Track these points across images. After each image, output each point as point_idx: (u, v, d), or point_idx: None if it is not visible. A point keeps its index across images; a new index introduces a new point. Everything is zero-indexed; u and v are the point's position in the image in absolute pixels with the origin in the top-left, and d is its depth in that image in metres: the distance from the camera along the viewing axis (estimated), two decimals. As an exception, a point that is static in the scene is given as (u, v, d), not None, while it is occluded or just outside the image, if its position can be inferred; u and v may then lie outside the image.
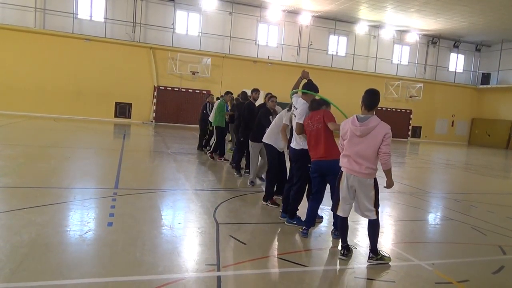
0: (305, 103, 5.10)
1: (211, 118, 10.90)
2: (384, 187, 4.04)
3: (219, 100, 10.78)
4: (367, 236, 4.17)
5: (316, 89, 5.19)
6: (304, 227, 4.85)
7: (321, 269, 4.05)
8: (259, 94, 8.60)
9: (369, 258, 4.10)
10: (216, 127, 10.28)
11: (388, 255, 4.17)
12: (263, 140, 6.33)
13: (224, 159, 10.29)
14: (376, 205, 4.03)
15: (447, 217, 6.59)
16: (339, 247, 4.31)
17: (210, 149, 10.70)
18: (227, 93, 11.27)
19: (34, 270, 3.30)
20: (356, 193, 4.04)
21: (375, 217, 4.03)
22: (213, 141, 10.74)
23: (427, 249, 4.81)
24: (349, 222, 4.23)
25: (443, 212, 7.04)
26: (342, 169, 4.07)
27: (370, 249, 4.11)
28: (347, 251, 4.19)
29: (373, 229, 4.08)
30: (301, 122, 5.00)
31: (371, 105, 3.91)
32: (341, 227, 4.24)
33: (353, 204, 4.15)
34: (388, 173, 3.95)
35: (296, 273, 3.83)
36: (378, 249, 4.12)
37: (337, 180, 4.14)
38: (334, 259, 4.30)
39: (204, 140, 12.00)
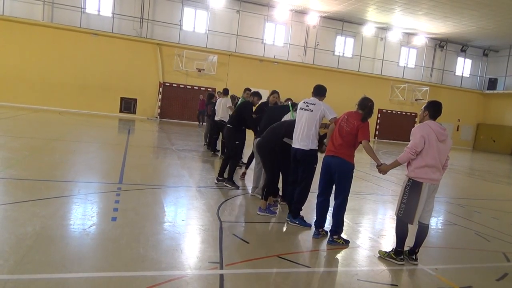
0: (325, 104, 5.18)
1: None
2: None
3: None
4: (416, 240, 4.28)
5: (324, 91, 5.27)
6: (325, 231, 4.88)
7: (324, 271, 4.04)
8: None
9: (415, 259, 4.27)
10: None
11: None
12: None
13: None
14: None
15: (450, 222, 6.56)
16: (391, 251, 4.33)
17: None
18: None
19: (38, 262, 3.32)
20: (428, 201, 4.16)
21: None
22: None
23: (430, 254, 4.78)
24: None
25: (446, 217, 7.01)
26: (420, 180, 4.06)
27: (416, 251, 4.29)
28: (403, 255, 4.26)
29: (426, 232, 4.29)
30: (336, 116, 5.02)
31: (435, 115, 4.19)
32: (405, 233, 4.26)
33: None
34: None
35: (299, 273, 3.83)
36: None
37: (416, 193, 4.08)
38: (336, 260, 4.30)
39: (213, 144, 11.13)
